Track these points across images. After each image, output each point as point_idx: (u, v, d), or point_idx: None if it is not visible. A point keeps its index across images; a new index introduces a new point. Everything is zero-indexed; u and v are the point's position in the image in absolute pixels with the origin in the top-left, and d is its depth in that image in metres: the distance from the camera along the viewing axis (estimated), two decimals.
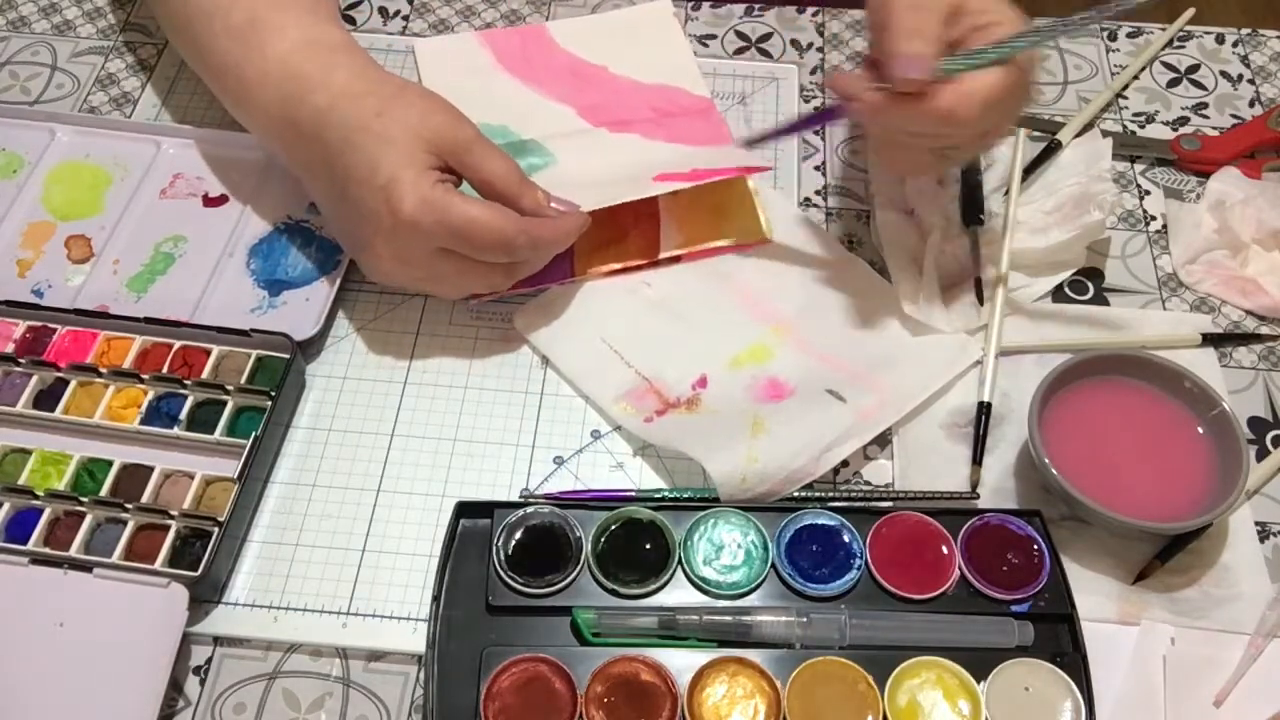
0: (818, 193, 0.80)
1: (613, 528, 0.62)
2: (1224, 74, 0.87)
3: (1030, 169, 0.78)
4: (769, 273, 0.74)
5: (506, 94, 0.83)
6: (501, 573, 0.60)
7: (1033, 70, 0.64)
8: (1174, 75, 0.87)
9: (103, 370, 0.67)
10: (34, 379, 0.67)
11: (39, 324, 0.70)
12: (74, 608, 0.59)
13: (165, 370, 0.67)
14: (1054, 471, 0.62)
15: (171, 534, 0.62)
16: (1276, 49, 0.89)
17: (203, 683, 0.60)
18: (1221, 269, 0.74)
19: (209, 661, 0.61)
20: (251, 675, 0.60)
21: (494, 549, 0.61)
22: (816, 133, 0.83)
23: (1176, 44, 0.89)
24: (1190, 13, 0.90)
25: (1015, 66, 0.62)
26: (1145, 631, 0.61)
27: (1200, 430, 0.65)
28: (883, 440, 0.67)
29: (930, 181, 0.75)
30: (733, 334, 0.71)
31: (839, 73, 0.66)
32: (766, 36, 0.89)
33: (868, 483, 0.67)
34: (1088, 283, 0.75)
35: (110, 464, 0.64)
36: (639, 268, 0.74)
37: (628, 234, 0.75)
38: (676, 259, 0.74)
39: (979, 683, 0.57)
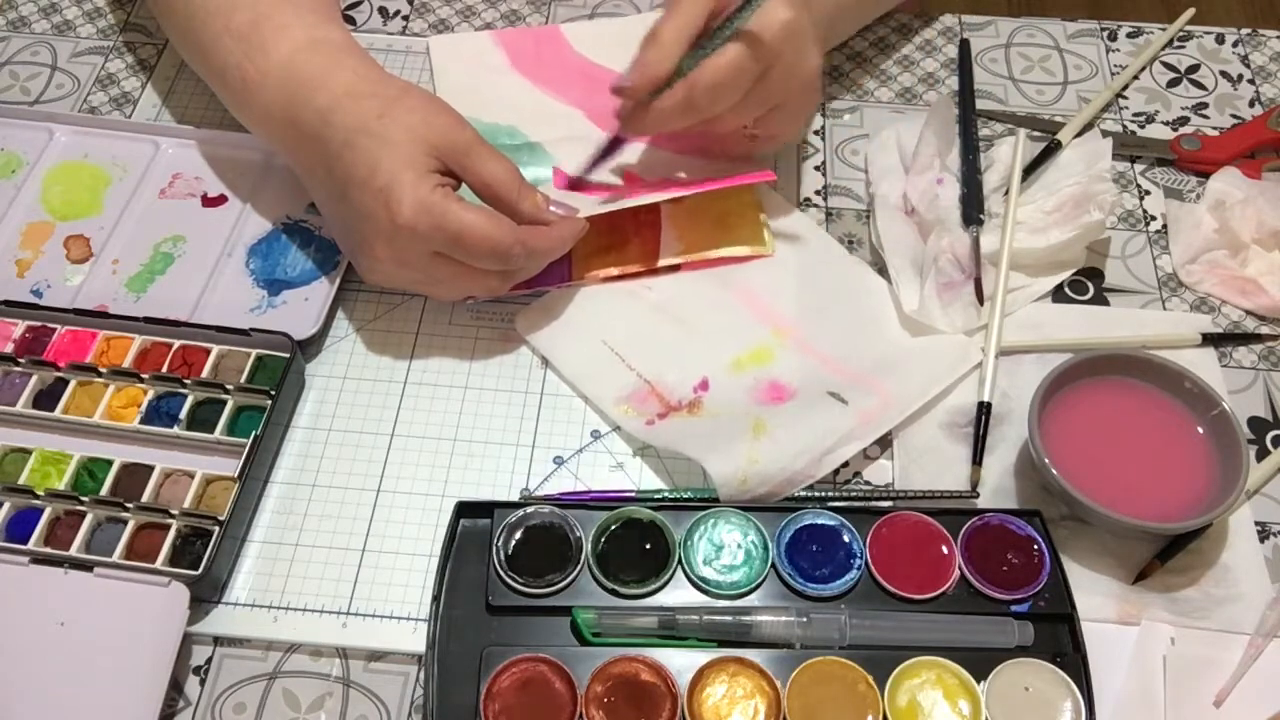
0: (818, 193, 0.80)
1: (613, 528, 0.62)
2: (1224, 74, 0.87)
3: (1030, 169, 0.78)
4: (770, 275, 0.74)
5: (517, 94, 0.83)
6: (501, 573, 0.60)
7: (775, 34, 0.65)
8: (1174, 75, 0.87)
9: (102, 370, 0.67)
10: (34, 379, 0.67)
11: (38, 324, 0.70)
12: (74, 607, 0.59)
13: (165, 370, 0.67)
14: (1054, 471, 0.62)
15: (172, 533, 0.62)
16: (1276, 49, 0.89)
17: (203, 683, 0.60)
18: (1221, 269, 0.74)
19: (209, 661, 0.61)
20: (251, 675, 0.60)
21: (494, 549, 0.61)
22: (816, 133, 0.83)
23: (1176, 44, 0.89)
24: (1190, 13, 0.90)
25: (747, 39, 0.64)
26: (1145, 631, 0.61)
27: (1200, 430, 0.65)
28: (883, 441, 0.67)
29: (930, 181, 0.75)
30: (734, 336, 0.71)
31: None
32: None
33: (868, 483, 0.67)
34: (1088, 283, 0.75)
35: (110, 463, 0.64)
36: (637, 275, 0.74)
37: (628, 240, 0.74)
38: (675, 268, 0.74)
39: (979, 683, 0.57)
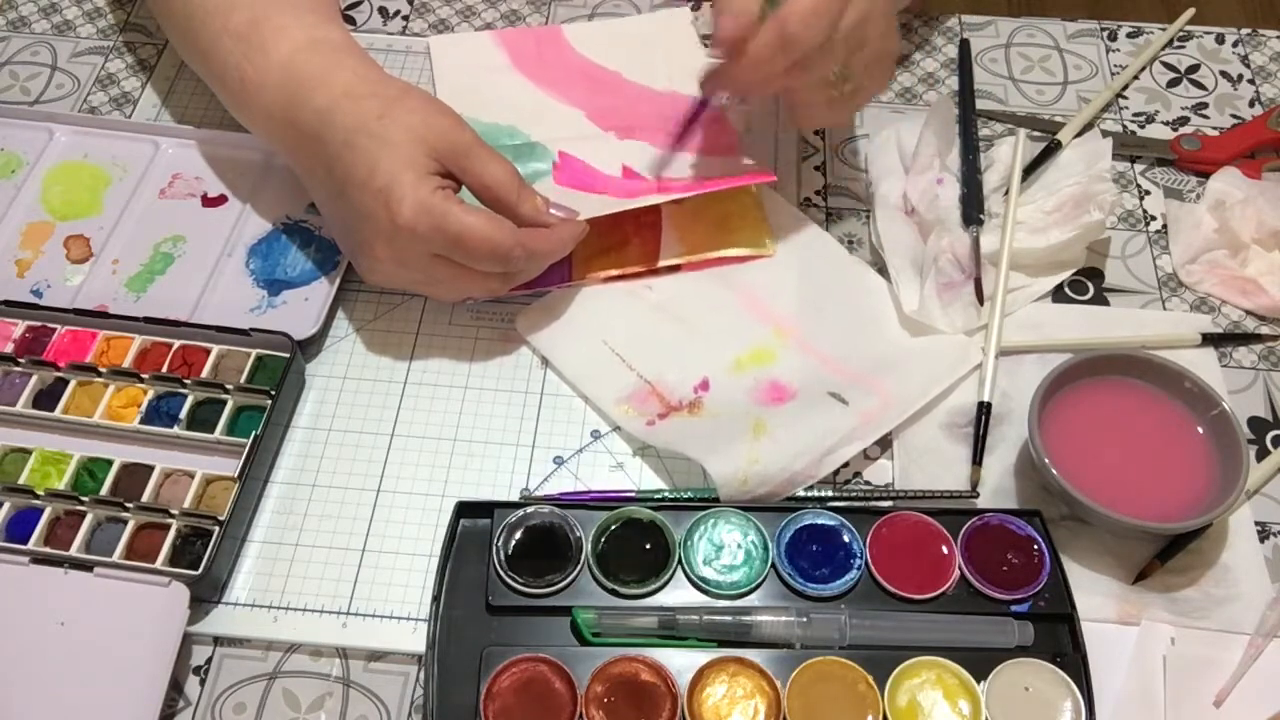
0: (818, 193, 0.80)
1: (613, 528, 0.62)
2: (1224, 74, 0.87)
3: (1030, 169, 0.78)
4: (770, 275, 0.74)
5: (517, 94, 0.83)
6: (501, 573, 0.60)
7: None
8: (1174, 75, 0.87)
9: (102, 370, 0.67)
10: (34, 379, 0.67)
11: (38, 324, 0.70)
12: (74, 607, 0.59)
13: (165, 370, 0.67)
14: (1054, 471, 0.62)
15: (172, 533, 0.62)
16: (1276, 49, 0.89)
17: (203, 683, 0.60)
18: (1221, 269, 0.74)
19: (209, 661, 0.61)
20: (251, 675, 0.60)
21: (494, 549, 0.61)
22: (817, 133, 0.83)
23: (1176, 44, 0.89)
24: (1190, 13, 0.90)
25: None
26: (1145, 631, 0.61)
27: (1200, 430, 0.65)
28: (883, 441, 0.67)
29: (930, 181, 0.75)
30: (734, 337, 0.71)
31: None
32: None
33: (868, 483, 0.67)
34: (1088, 283, 0.75)
35: (110, 463, 0.64)
36: (637, 275, 0.74)
37: (628, 241, 0.74)
38: (676, 268, 0.74)
39: (979, 683, 0.57)
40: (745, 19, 0.62)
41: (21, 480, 0.64)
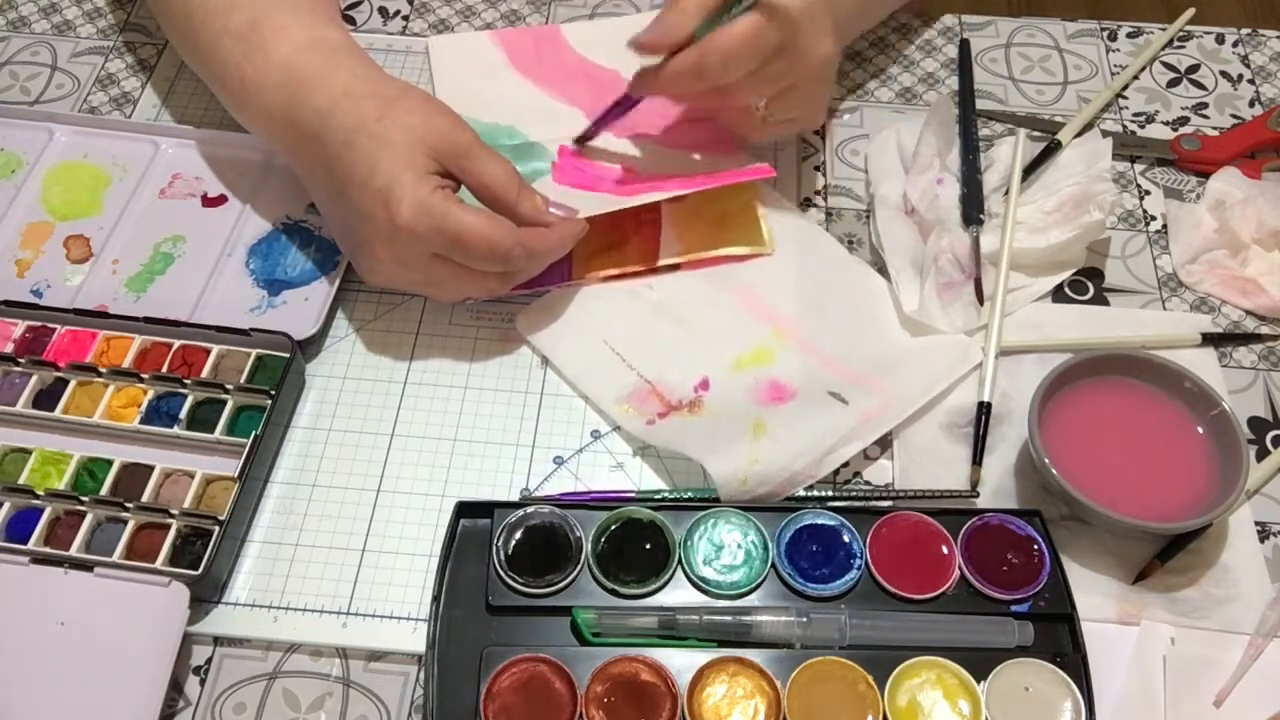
0: (818, 193, 0.80)
1: (613, 528, 0.62)
2: (1224, 74, 0.87)
3: (1030, 169, 0.78)
4: (770, 275, 0.74)
5: (516, 94, 0.83)
6: (501, 573, 0.60)
7: (794, 8, 0.65)
8: (1174, 75, 0.87)
9: (102, 370, 0.67)
10: (34, 379, 0.67)
11: (38, 324, 0.70)
12: (74, 607, 0.59)
13: (165, 370, 0.67)
14: (1054, 471, 0.62)
15: (172, 533, 0.62)
16: (1276, 49, 0.89)
17: (203, 683, 0.60)
18: (1221, 269, 0.74)
19: (209, 661, 0.61)
20: (251, 675, 0.60)
21: (494, 549, 0.61)
22: (817, 133, 0.83)
23: (1176, 44, 0.89)
24: (1190, 13, 0.90)
25: (765, 10, 0.64)
26: (1145, 631, 0.61)
27: (1200, 430, 0.65)
28: (883, 441, 0.67)
29: (930, 181, 0.75)
30: (734, 336, 0.71)
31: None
32: None
33: (868, 483, 0.67)
34: (1088, 283, 0.75)
35: (110, 463, 0.64)
36: (637, 274, 0.74)
37: (628, 240, 0.74)
38: (675, 267, 0.74)
39: (979, 683, 0.57)
40: (673, 34, 0.65)
41: (21, 480, 0.64)
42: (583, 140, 0.77)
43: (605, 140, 0.79)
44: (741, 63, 0.65)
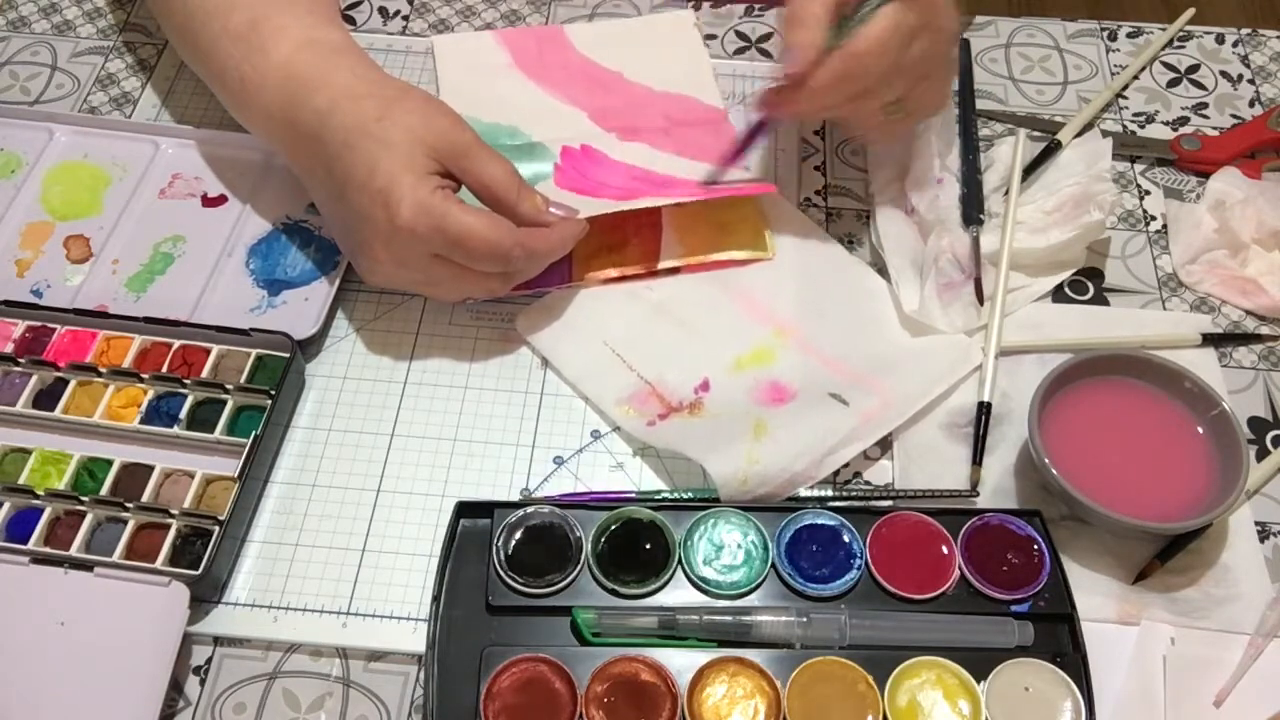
0: (818, 193, 0.80)
1: (613, 528, 0.62)
2: (1224, 74, 0.87)
3: (1030, 169, 0.78)
4: (770, 275, 0.74)
5: (519, 94, 0.83)
6: (501, 573, 0.60)
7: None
8: (1174, 75, 0.87)
9: (102, 370, 0.67)
10: (34, 379, 0.67)
11: (38, 324, 0.70)
12: (75, 607, 0.59)
13: (165, 370, 0.67)
14: (1054, 471, 0.62)
15: (172, 533, 0.62)
16: (1276, 49, 0.89)
17: (203, 683, 0.60)
18: (1221, 269, 0.74)
19: (209, 661, 0.61)
20: (251, 675, 0.60)
21: (494, 549, 0.61)
22: (816, 133, 0.83)
23: (1176, 44, 0.89)
24: (1190, 13, 0.90)
25: (902, 3, 0.63)
26: (1145, 631, 0.61)
27: (1200, 430, 0.65)
28: (883, 441, 0.67)
29: (931, 181, 0.75)
30: (734, 337, 0.71)
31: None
32: (766, 36, 0.89)
33: (868, 483, 0.67)
34: (1088, 283, 0.75)
35: (110, 463, 0.64)
36: (637, 276, 0.74)
37: (628, 241, 0.74)
38: (675, 269, 0.74)
39: (979, 683, 0.57)
40: (812, 52, 0.63)
41: (21, 480, 0.64)
42: (712, 180, 0.74)
43: (607, 141, 0.79)
44: (887, 58, 0.64)
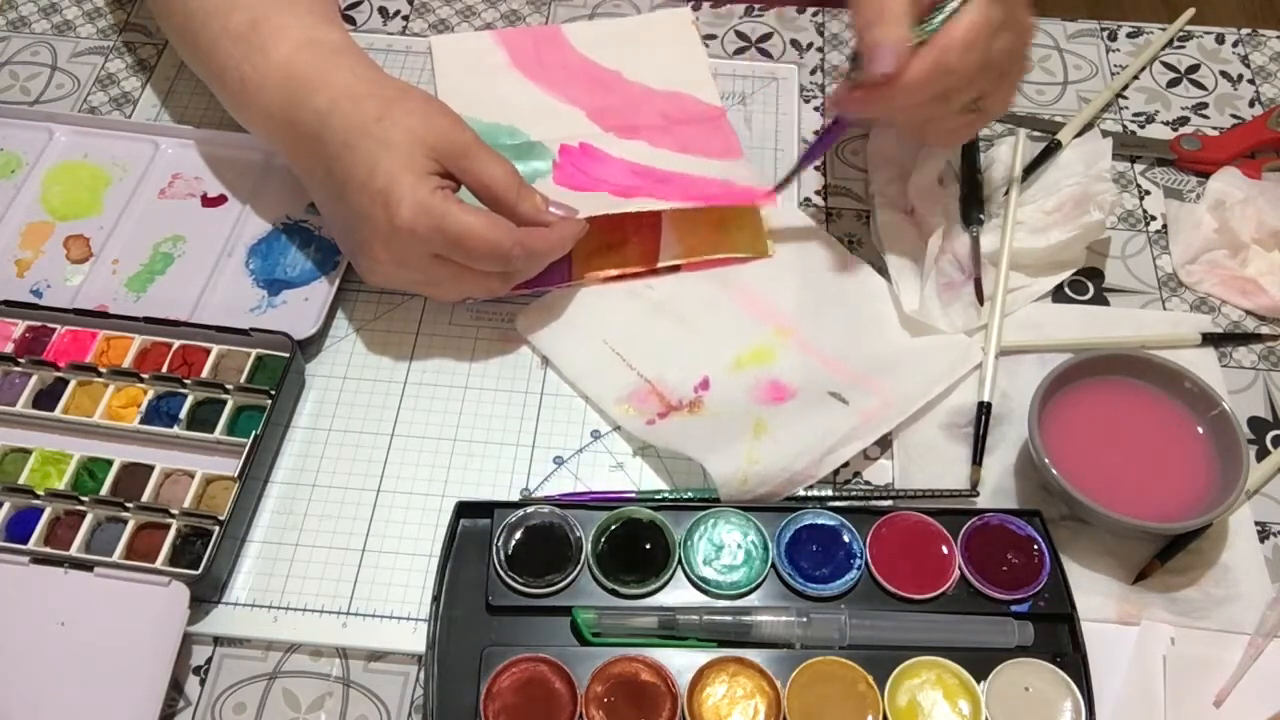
0: (818, 193, 0.80)
1: (613, 528, 0.62)
2: (1224, 74, 0.87)
3: (1030, 169, 0.78)
4: (770, 274, 0.74)
5: (517, 93, 0.83)
6: (501, 573, 0.60)
7: None
8: (1174, 75, 0.87)
9: (102, 370, 0.67)
10: (33, 379, 0.67)
11: (38, 324, 0.70)
12: (75, 607, 0.59)
13: (165, 370, 0.67)
14: (1054, 471, 0.62)
15: (172, 533, 0.62)
16: (1276, 49, 0.89)
17: (203, 683, 0.60)
18: (1221, 269, 0.74)
19: (209, 661, 0.61)
20: (251, 675, 0.60)
21: (494, 549, 0.61)
22: (816, 133, 0.83)
23: (1176, 44, 0.89)
24: (1190, 13, 0.90)
25: None
26: (1145, 631, 0.61)
27: (1200, 430, 0.65)
28: (883, 441, 0.67)
29: (931, 181, 0.75)
30: (734, 336, 0.71)
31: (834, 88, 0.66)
32: (766, 36, 0.89)
33: (868, 483, 0.67)
34: (1088, 283, 0.75)
35: (110, 463, 0.64)
36: (637, 275, 0.74)
37: (628, 240, 0.74)
38: (675, 268, 0.74)
39: (979, 683, 0.57)
40: (902, 47, 0.61)
41: (21, 480, 0.64)
42: (783, 185, 0.74)
43: (606, 140, 0.79)
44: (979, 48, 0.62)
